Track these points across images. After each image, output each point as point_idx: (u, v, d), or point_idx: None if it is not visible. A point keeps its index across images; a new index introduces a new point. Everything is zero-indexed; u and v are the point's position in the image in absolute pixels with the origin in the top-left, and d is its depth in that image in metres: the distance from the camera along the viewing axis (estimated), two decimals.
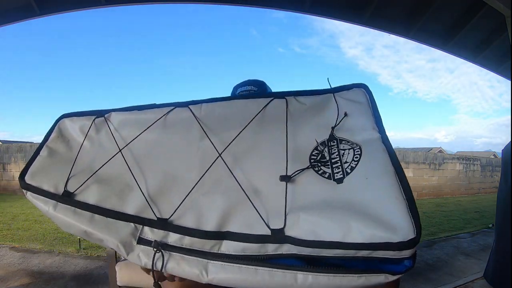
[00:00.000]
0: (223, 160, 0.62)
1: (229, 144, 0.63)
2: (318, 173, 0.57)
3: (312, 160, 0.59)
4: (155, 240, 0.57)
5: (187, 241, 0.57)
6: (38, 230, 4.12)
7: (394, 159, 0.55)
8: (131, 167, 0.66)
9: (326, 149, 0.60)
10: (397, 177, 0.52)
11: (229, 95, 1.00)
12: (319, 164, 0.58)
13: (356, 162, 0.56)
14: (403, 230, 0.45)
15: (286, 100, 0.67)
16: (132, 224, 0.60)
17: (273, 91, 1.05)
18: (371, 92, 0.67)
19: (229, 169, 0.60)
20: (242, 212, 0.57)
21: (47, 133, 0.75)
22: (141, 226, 0.60)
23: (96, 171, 0.66)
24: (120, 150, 0.68)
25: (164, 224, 0.59)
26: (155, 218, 0.59)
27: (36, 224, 4.43)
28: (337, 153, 0.59)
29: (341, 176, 0.56)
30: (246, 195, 0.57)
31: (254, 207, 0.56)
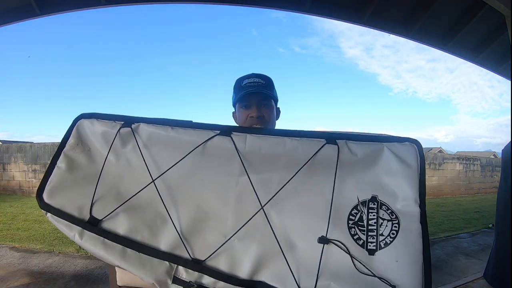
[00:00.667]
0: (264, 212, 0.59)
1: (272, 197, 0.59)
2: (353, 238, 0.58)
3: (350, 222, 0.59)
4: (190, 281, 0.58)
5: (221, 286, 0.57)
6: (38, 230, 4.11)
7: (426, 245, 0.57)
8: (163, 195, 0.61)
9: (365, 211, 0.59)
10: (423, 268, 0.55)
11: (232, 91, 0.99)
12: (356, 227, 0.58)
13: (391, 239, 0.57)
14: None
15: (338, 147, 0.61)
16: (166, 262, 0.59)
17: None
18: (423, 153, 0.62)
19: (268, 221, 0.59)
20: (275, 263, 0.58)
21: (65, 136, 0.66)
22: (175, 265, 0.59)
23: (126, 201, 0.61)
24: (153, 181, 0.62)
25: (199, 266, 0.58)
26: (190, 258, 0.59)
27: (36, 224, 4.43)
28: (375, 220, 0.58)
29: (374, 248, 0.57)
30: (281, 250, 0.58)
31: (288, 264, 0.56)
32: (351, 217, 0.59)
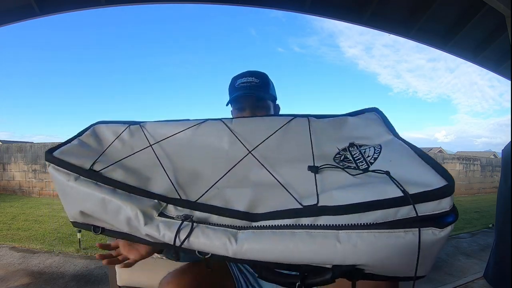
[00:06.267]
0: (253, 156, 0.64)
1: (258, 145, 0.67)
2: (343, 168, 0.56)
3: (336, 161, 0.60)
4: (177, 215, 0.54)
5: (215, 219, 0.53)
6: (38, 230, 4.11)
7: (413, 146, 0.57)
8: (161, 159, 0.67)
9: (348, 153, 0.62)
10: (418, 154, 0.54)
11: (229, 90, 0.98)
12: (344, 163, 0.59)
13: (377, 154, 0.58)
14: (436, 182, 0.46)
15: (308, 118, 0.71)
16: (156, 200, 0.57)
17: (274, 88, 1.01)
18: (382, 113, 0.71)
19: (259, 161, 0.62)
20: (273, 197, 0.55)
21: (81, 131, 0.75)
22: (165, 203, 0.57)
23: (125, 157, 0.67)
24: (150, 145, 0.70)
25: (190, 204, 0.56)
26: (180, 198, 0.57)
27: (36, 224, 4.43)
28: (358, 152, 0.60)
29: (366, 166, 0.55)
30: (277, 179, 0.57)
31: (285, 188, 0.55)
32: (335, 159, 0.61)
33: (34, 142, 9.21)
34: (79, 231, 3.21)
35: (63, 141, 0.73)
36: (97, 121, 0.78)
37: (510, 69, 2.59)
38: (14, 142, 13.24)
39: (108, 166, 0.63)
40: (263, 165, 0.61)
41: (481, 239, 4.04)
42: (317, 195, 0.51)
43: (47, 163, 0.64)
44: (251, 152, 0.65)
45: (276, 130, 0.68)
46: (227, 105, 0.97)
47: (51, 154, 0.64)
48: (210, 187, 0.58)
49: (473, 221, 5.25)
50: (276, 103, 1.00)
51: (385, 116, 0.70)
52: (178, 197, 0.58)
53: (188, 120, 0.77)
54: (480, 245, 3.78)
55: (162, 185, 0.60)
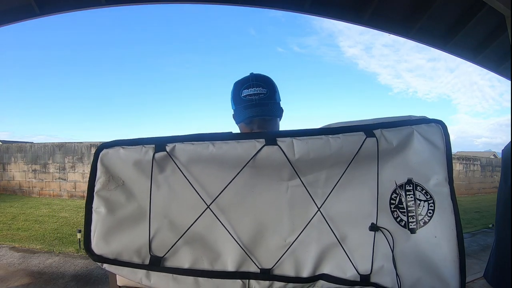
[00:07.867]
0: (321, 213, 0.64)
1: (326, 199, 0.64)
2: (396, 220, 0.65)
3: (392, 206, 0.65)
4: None
5: (290, 286, 0.63)
6: (38, 230, 4.12)
7: (458, 220, 0.64)
8: (218, 216, 0.62)
9: (403, 193, 0.65)
10: (457, 240, 0.62)
11: (230, 94, 0.93)
12: (397, 210, 0.65)
13: (429, 218, 0.64)
14: (453, 286, 0.60)
15: (377, 140, 0.64)
16: (239, 280, 0.62)
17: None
18: (448, 132, 0.67)
19: (326, 220, 0.63)
20: (334, 255, 0.64)
21: (91, 173, 0.61)
22: (247, 280, 0.63)
23: (184, 233, 0.61)
24: (208, 206, 0.61)
25: (268, 275, 0.63)
26: (259, 270, 0.63)
27: (36, 224, 4.43)
28: (413, 201, 0.65)
29: (415, 227, 0.64)
30: (339, 242, 0.63)
31: (346, 253, 0.63)
32: (392, 201, 0.65)
33: (34, 142, 9.22)
34: (79, 231, 3.21)
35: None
36: (100, 144, 0.63)
37: (510, 69, 2.59)
38: (14, 142, 13.24)
39: (170, 250, 0.60)
40: (329, 226, 0.63)
41: (481, 239, 4.04)
42: (372, 263, 0.61)
43: (98, 264, 0.60)
44: (320, 209, 0.63)
45: (347, 167, 0.62)
46: (237, 122, 0.90)
47: (93, 252, 0.59)
48: (283, 254, 0.63)
49: (473, 221, 5.25)
50: (280, 105, 0.95)
51: (448, 138, 0.66)
52: (255, 268, 0.62)
53: (230, 134, 0.64)
54: (480, 245, 3.78)
55: (233, 254, 0.62)
